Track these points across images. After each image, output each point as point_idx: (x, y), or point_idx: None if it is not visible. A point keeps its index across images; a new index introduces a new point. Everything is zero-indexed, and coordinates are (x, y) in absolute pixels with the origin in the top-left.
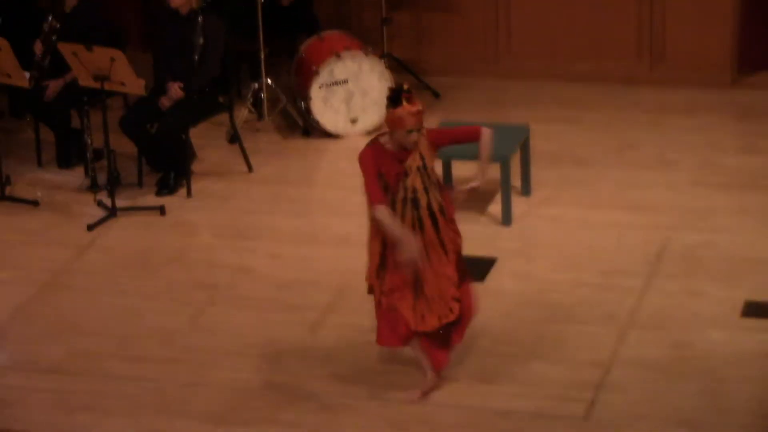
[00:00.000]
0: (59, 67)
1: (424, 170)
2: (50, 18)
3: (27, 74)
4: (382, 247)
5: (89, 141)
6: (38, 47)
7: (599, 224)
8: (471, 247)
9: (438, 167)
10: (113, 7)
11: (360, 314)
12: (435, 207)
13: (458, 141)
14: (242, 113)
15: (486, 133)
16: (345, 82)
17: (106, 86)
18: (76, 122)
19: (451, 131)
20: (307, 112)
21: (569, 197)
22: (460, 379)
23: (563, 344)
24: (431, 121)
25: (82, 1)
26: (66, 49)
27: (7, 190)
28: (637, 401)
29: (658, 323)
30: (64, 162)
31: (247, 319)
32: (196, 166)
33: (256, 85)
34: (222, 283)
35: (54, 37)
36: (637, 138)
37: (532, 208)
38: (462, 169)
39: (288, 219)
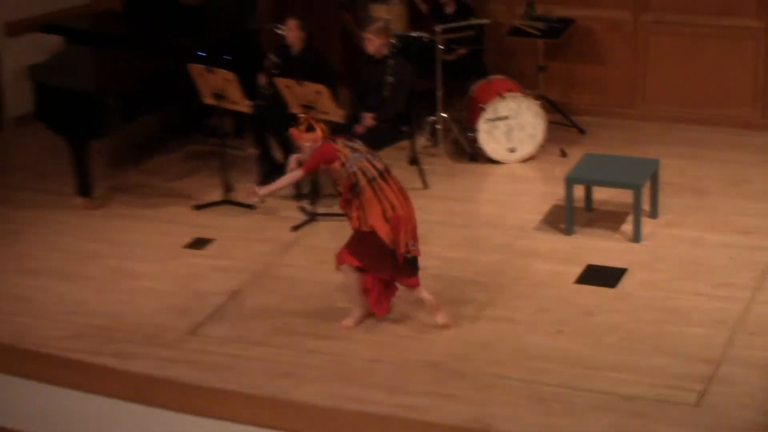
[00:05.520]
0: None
1: None
2: (270, 55)
3: (249, 102)
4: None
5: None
6: (262, 79)
7: (715, 244)
8: (605, 259)
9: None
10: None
11: (512, 310)
12: None
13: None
14: (421, 140)
15: (298, 174)
16: (506, 118)
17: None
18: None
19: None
20: (474, 142)
21: (690, 221)
22: (595, 367)
23: (680, 343)
24: (576, 153)
25: (307, 48)
26: (281, 83)
27: (230, 196)
28: (742, 394)
29: (763, 329)
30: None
31: (417, 309)
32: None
33: (433, 118)
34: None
35: (274, 72)
36: (750, 174)
37: (659, 228)
38: (600, 193)
39: (456, 229)
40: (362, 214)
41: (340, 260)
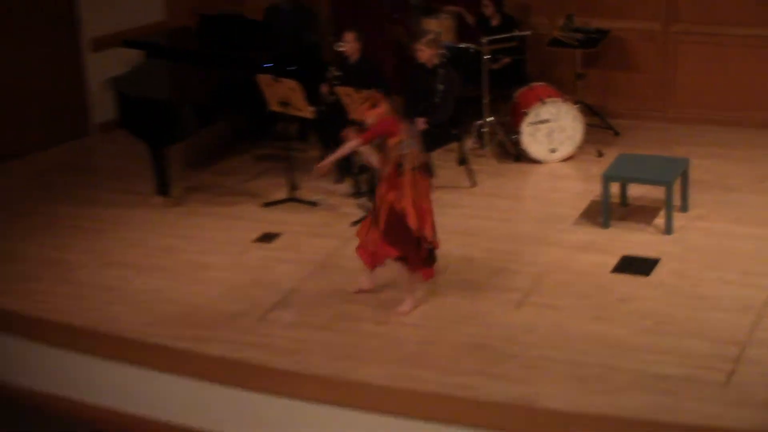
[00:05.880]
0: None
1: None
2: (332, 68)
3: (312, 108)
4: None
5: (355, 160)
6: (324, 89)
7: (741, 236)
8: (639, 250)
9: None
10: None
11: (554, 297)
12: None
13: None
14: (469, 143)
15: (357, 142)
16: (547, 121)
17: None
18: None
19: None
20: (518, 143)
21: (718, 214)
22: (630, 349)
23: (710, 326)
24: (612, 153)
25: (364, 59)
26: (342, 91)
27: (295, 194)
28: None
29: None
30: (339, 175)
31: (467, 296)
32: (434, 181)
33: (480, 122)
34: (449, 269)
35: (335, 82)
36: None
37: (689, 221)
38: (634, 190)
39: (500, 223)
40: (398, 194)
41: (381, 257)
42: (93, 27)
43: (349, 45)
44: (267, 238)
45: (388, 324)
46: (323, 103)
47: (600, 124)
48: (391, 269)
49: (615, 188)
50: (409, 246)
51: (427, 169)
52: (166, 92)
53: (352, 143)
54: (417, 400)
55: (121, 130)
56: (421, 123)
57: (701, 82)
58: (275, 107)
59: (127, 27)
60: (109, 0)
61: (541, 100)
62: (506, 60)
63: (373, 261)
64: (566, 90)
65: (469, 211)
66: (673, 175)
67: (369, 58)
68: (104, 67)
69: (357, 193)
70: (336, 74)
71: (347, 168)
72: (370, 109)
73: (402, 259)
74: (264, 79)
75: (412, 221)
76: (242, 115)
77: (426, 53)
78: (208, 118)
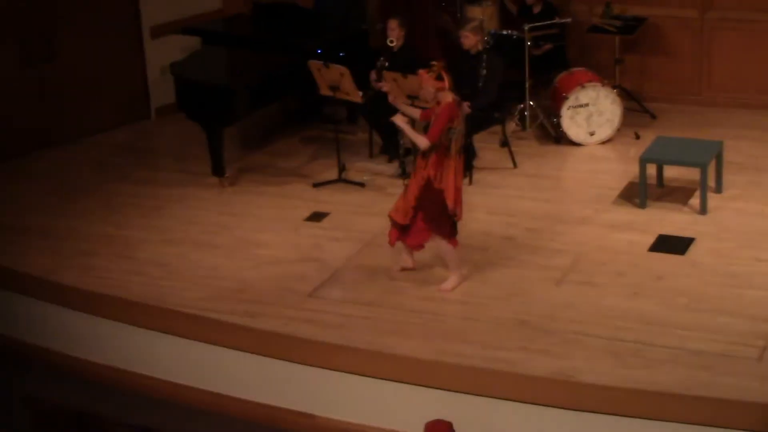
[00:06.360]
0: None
1: None
2: (381, 58)
3: (360, 93)
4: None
5: (402, 142)
6: (373, 75)
7: None
8: (675, 229)
9: None
10: (422, 47)
11: (592, 274)
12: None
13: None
14: (510, 125)
15: (425, 142)
16: (587, 105)
17: (415, 103)
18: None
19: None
20: (558, 126)
21: (752, 195)
22: (666, 325)
23: (743, 304)
24: (649, 136)
25: (406, 45)
26: (389, 76)
27: (344, 175)
28: None
29: None
30: (390, 154)
31: (508, 274)
32: (477, 162)
33: (522, 106)
34: (491, 247)
35: (383, 72)
36: None
37: (723, 202)
38: (670, 171)
39: (541, 203)
40: (440, 173)
41: (424, 237)
42: (151, 16)
43: (394, 32)
44: (316, 217)
45: (432, 300)
46: (371, 89)
47: (637, 107)
48: (434, 248)
49: (651, 170)
50: (437, 218)
51: (466, 151)
52: (222, 77)
53: (418, 139)
54: (460, 374)
55: (178, 113)
56: (465, 107)
57: (735, 67)
58: (325, 91)
59: (184, 15)
60: None
61: (580, 85)
62: (547, 46)
63: (398, 236)
64: (605, 75)
65: (510, 192)
66: (708, 157)
67: (410, 45)
68: (163, 54)
69: (402, 175)
70: (385, 64)
71: (394, 150)
72: (433, 80)
73: (429, 229)
74: (315, 65)
75: (450, 201)
76: (294, 99)
77: (471, 39)
78: (261, 102)
